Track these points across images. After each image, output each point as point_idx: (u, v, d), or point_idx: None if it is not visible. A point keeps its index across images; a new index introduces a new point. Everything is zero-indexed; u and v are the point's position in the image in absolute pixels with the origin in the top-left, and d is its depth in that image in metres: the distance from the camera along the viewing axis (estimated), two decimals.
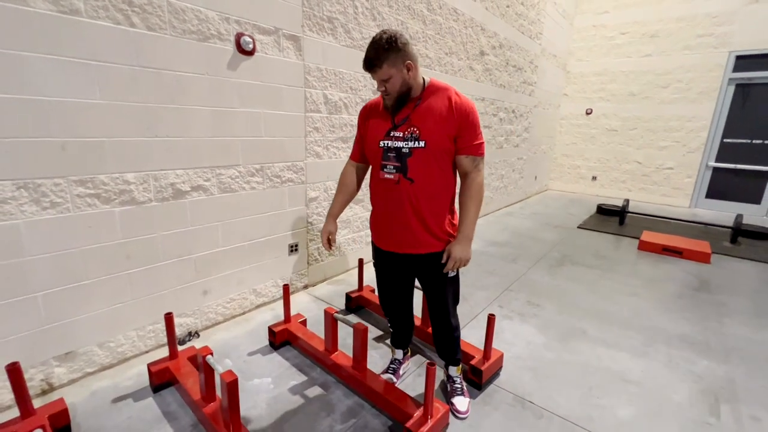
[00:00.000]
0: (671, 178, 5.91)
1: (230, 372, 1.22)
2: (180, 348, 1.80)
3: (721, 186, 5.60)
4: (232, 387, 1.21)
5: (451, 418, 1.48)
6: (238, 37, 1.89)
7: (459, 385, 1.57)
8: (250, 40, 1.93)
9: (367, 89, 2.71)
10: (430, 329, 1.91)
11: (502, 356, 1.77)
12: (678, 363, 1.91)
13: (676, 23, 5.48)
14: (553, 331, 2.17)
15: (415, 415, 1.35)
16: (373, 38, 1.22)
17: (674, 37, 5.53)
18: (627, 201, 4.66)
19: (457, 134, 1.27)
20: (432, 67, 3.32)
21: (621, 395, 1.66)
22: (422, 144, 1.25)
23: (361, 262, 2.32)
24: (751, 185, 5.38)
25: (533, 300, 2.55)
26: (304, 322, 2.00)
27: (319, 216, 2.59)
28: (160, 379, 1.58)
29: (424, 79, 1.31)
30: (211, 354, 1.33)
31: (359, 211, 2.93)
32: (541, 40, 5.38)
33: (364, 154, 1.47)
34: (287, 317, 1.96)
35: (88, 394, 1.56)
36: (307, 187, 2.45)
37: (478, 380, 1.65)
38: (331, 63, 2.41)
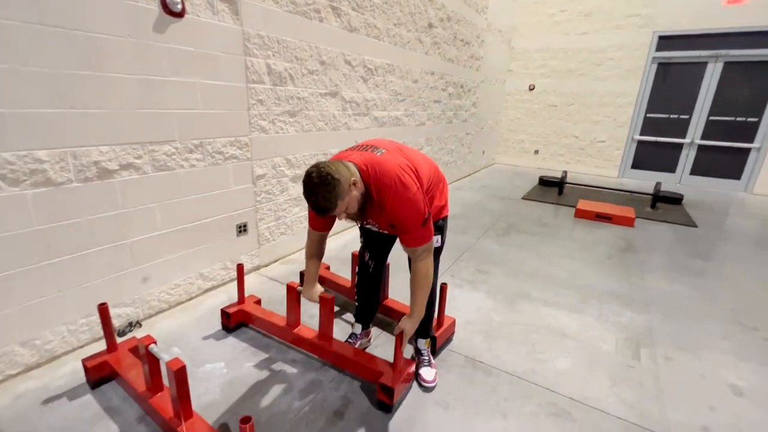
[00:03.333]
0: (603, 151, 6.40)
1: (177, 360, 1.15)
2: (120, 340, 1.67)
3: (643, 157, 6.18)
4: (180, 375, 1.15)
5: (414, 385, 1.54)
6: None
7: (426, 357, 1.63)
8: (179, 0, 1.73)
9: (314, 59, 2.58)
10: (393, 305, 1.95)
11: (454, 322, 1.85)
12: (608, 316, 2.12)
13: (609, 1, 5.79)
14: (501, 296, 2.31)
15: (386, 372, 1.44)
16: (307, 185, 1.14)
17: (606, 16, 5.85)
18: (565, 173, 4.99)
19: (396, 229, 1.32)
20: (381, 38, 3.23)
21: (560, 349, 1.83)
22: (385, 232, 1.48)
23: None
24: (668, 156, 5.99)
25: (482, 268, 2.68)
26: (258, 302, 1.94)
27: (268, 194, 2.48)
28: (98, 374, 1.47)
29: (362, 172, 1.24)
30: (155, 343, 1.25)
31: None
32: (487, 15, 5.43)
33: (326, 224, 1.46)
34: (241, 298, 1.88)
35: (11, 398, 1.40)
36: (254, 164, 2.33)
37: (432, 346, 1.71)
38: (273, 29, 2.25)
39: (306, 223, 2.86)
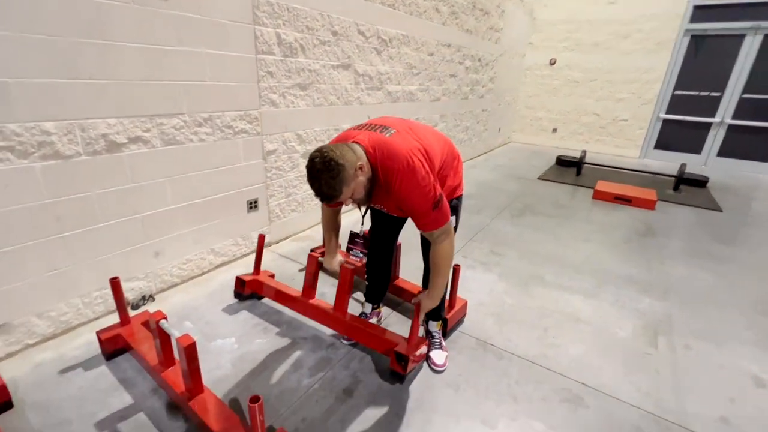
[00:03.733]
0: (625, 130, 6.14)
1: (187, 336, 1.15)
2: (133, 313, 1.69)
3: (668, 137, 5.91)
4: (190, 351, 1.15)
5: (424, 368, 1.53)
6: None
7: (437, 340, 1.61)
8: None
9: (326, 29, 2.47)
10: (405, 285, 1.93)
11: (465, 304, 1.82)
12: (624, 302, 2.06)
13: None
14: (514, 278, 2.26)
15: (400, 342, 1.46)
16: (310, 171, 1.08)
17: None
18: (584, 152, 4.81)
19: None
20: (396, 6, 3.07)
21: (573, 334, 1.78)
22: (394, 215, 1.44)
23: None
24: (694, 136, 5.71)
25: (496, 249, 2.62)
26: (272, 276, 1.95)
27: (278, 171, 2.44)
28: (113, 346, 1.49)
29: (369, 155, 1.16)
30: (165, 318, 1.25)
31: None
32: None
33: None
34: (257, 269, 1.89)
35: (30, 367, 1.44)
36: (264, 138, 2.27)
37: (443, 328, 1.69)
38: None
39: (317, 200, 2.84)
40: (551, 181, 4.50)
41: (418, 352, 1.43)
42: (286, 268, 2.27)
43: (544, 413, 1.35)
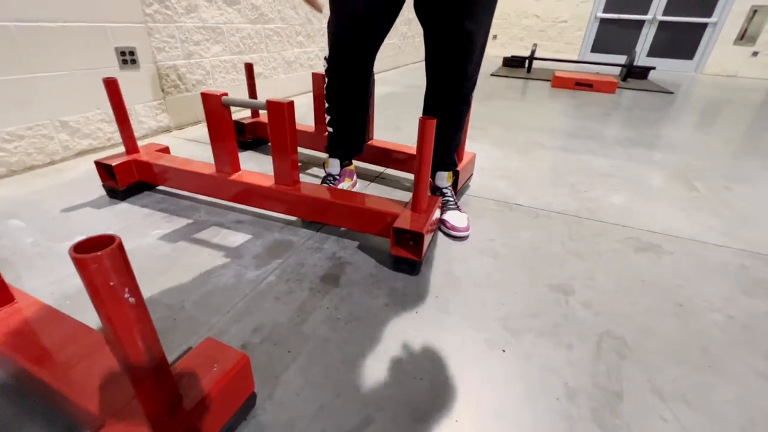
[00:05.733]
0: (564, 32, 5.90)
1: None
2: None
3: (603, 39, 5.81)
4: None
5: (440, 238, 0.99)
6: None
7: (451, 198, 1.07)
8: None
9: None
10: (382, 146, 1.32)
11: (474, 158, 1.30)
12: (638, 157, 1.73)
13: None
14: (510, 146, 1.79)
15: (401, 212, 0.87)
16: None
17: None
18: (535, 45, 4.44)
19: None
20: None
21: (605, 186, 1.39)
22: None
23: None
24: (627, 37, 5.67)
25: (476, 124, 2.13)
26: (165, 151, 1.20)
27: (165, 9, 1.57)
28: None
29: None
30: None
31: (233, 16, 1.94)
32: None
33: None
34: (132, 145, 1.12)
35: None
36: None
37: (454, 185, 1.16)
38: None
39: (236, 75, 1.99)
40: (504, 77, 4.09)
41: (433, 217, 0.88)
42: (196, 151, 1.53)
43: (624, 267, 0.92)
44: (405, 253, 0.84)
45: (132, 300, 0.32)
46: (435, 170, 1.08)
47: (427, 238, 0.84)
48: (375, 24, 0.93)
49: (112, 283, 0.31)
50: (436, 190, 1.10)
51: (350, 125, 1.10)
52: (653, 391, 0.61)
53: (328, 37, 0.98)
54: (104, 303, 0.31)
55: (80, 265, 0.29)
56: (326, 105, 1.09)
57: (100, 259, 0.29)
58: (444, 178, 1.08)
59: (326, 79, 1.04)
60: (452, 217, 1.02)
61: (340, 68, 0.99)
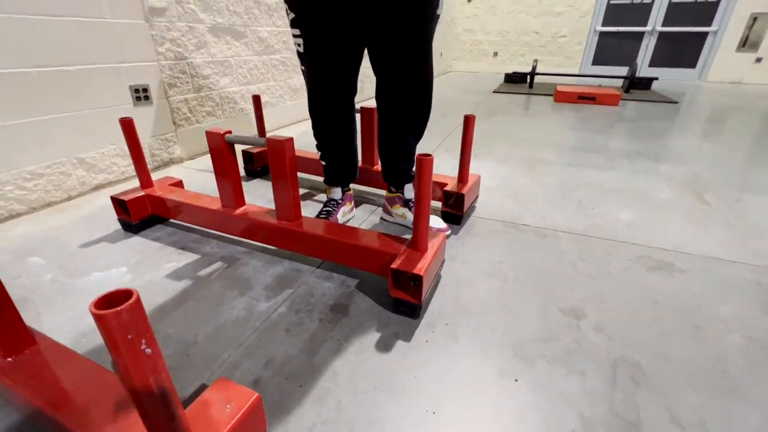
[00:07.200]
0: (564, 47, 5.97)
1: None
2: None
3: (604, 52, 5.86)
4: None
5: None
6: None
7: None
8: None
9: None
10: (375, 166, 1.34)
11: (479, 179, 1.31)
12: (645, 170, 1.72)
13: None
14: (515, 162, 1.80)
15: (401, 251, 0.84)
16: None
17: None
18: (536, 61, 4.50)
19: None
20: None
21: (613, 202, 1.38)
22: None
23: None
24: (628, 49, 5.71)
25: (480, 141, 2.15)
26: (178, 185, 1.24)
27: (176, 46, 1.64)
28: None
29: None
30: None
31: (240, 50, 2.02)
32: None
33: None
34: (146, 179, 1.16)
35: None
36: None
37: (457, 210, 1.17)
38: None
39: (244, 105, 2.06)
40: (507, 92, 4.14)
41: (436, 258, 0.85)
42: (208, 182, 1.57)
43: (636, 288, 0.91)
44: (404, 296, 0.81)
45: (148, 351, 0.34)
46: (402, 184, 1.14)
47: (428, 280, 0.81)
48: (346, 64, 0.96)
49: (130, 336, 0.32)
50: (405, 204, 1.13)
51: (341, 158, 1.13)
52: (672, 420, 0.59)
53: (305, 81, 1.01)
54: (122, 355, 0.32)
55: (101, 321, 0.31)
56: (315, 142, 1.12)
57: (119, 315, 0.31)
58: (410, 189, 1.15)
59: (310, 119, 1.07)
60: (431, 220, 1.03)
61: (321, 109, 1.03)
